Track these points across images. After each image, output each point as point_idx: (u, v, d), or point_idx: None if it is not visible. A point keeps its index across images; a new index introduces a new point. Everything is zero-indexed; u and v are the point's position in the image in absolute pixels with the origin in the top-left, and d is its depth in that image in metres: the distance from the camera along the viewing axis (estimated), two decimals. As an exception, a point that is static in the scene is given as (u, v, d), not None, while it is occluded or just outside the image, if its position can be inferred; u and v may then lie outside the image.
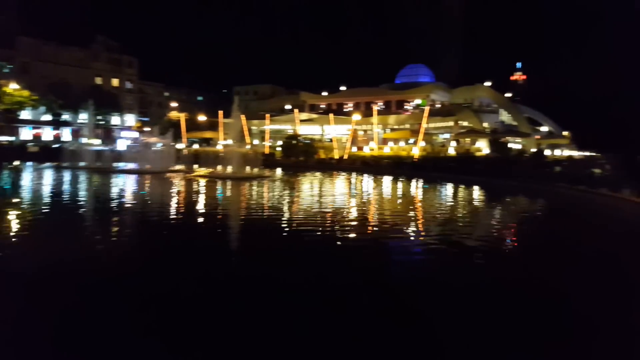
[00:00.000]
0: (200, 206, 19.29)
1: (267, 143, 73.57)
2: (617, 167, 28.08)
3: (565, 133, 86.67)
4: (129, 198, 21.49)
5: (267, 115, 76.61)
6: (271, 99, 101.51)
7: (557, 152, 77.16)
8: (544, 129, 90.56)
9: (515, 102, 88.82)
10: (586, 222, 18.41)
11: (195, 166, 44.95)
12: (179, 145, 71.42)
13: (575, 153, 79.11)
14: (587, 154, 70.57)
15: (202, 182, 30.78)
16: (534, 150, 57.90)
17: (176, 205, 19.30)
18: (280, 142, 70.48)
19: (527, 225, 17.11)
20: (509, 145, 66.44)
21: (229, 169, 37.97)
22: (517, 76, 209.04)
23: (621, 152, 32.38)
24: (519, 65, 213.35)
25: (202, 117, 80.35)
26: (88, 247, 11.19)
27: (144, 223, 15.14)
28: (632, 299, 8.36)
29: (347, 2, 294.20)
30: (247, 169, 38.99)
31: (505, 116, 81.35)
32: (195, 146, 76.88)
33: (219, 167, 39.63)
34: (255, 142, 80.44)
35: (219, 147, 67.70)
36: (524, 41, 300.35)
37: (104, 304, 7.31)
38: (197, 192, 24.74)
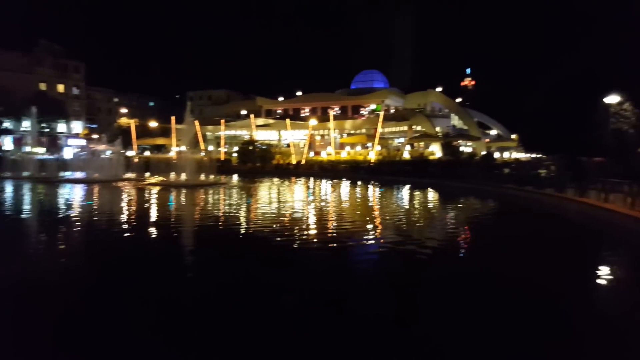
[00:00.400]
0: (150, 217, 18.68)
1: (223, 149, 72.59)
2: (561, 168, 29.32)
3: (513, 136, 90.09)
4: (73, 209, 20.56)
5: (222, 121, 75.61)
6: (226, 104, 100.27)
7: (506, 155, 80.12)
8: (493, 132, 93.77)
9: (466, 107, 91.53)
10: (531, 221, 19.13)
11: (147, 174, 43.74)
12: (129, 153, 69.38)
13: (523, 155, 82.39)
14: (534, 155, 73.58)
15: (154, 190, 29.93)
16: (484, 153, 59.80)
17: (124, 217, 18.62)
18: (236, 148, 69.69)
19: (477, 226, 17.56)
20: (461, 148, 68.34)
21: (183, 176, 37.15)
22: (467, 82, 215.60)
23: (565, 153, 33.85)
24: (468, 71, 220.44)
25: (153, 123, 78.32)
26: (24, 263, 10.59)
27: (87, 236, 14.50)
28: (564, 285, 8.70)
29: (301, 9, 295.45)
30: (202, 176, 38.26)
31: (456, 120, 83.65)
32: (147, 153, 74.88)
33: (172, 175, 38.70)
34: (210, 148, 79.17)
35: (172, 154, 66.22)
36: (473, 47, 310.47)
37: (38, 322, 6.90)
38: (148, 202, 23.98)
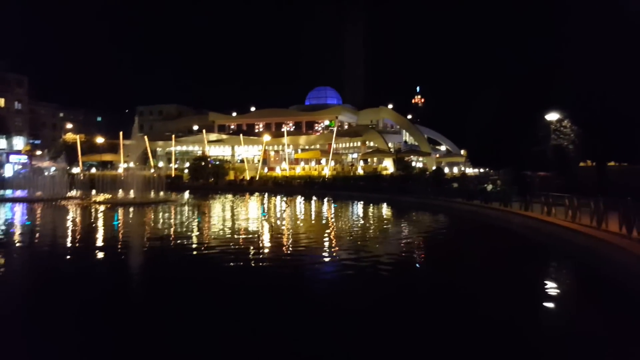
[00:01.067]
0: (92, 238, 17.78)
1: (174, 165, 70.89)
2: (507, 183, 30.34)
3: (462, 152, 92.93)
4: (10, 230, 19.30)
5: (173, 136, 73.99)
6: (178, 119, 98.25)
7: (455, 170, 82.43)
8: (443, 148, 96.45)
9: (416, 124, 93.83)
10: (477, 234, 19.62)
11: (93, 192, 41.99)
12: (75, 170, 66.53)
13: (471, 170, 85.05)
14: (482, 170, 76.10)
15: (100, 209, 28.68)
16: (434, 168, 61.30)
17: (63, 238, 17.65)
18: (187, 164, 68.25)
19: (426, 240, 17.78)
20: (413, 163, 69.78)
21: (131, 194, 35.86)
22: (417, 99, 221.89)
23: (510, 168, 35.11)
24: (418, 89, 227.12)
25: (101, 139, 75.56)
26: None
27: (26, 257, 13.58)
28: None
29: (257, 24, 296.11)
30: (151, 193, 37.07)
31: (408, 137, 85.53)
32: (93, 170, 72.02)
33: (120, 193, 37.30)
34: (161, 164, 77.17)
35: (120, 171, 64.03)
36: (424, 65, 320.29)
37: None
38: (91, 222, 22.86)
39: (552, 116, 27.51)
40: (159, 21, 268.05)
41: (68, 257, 13.88)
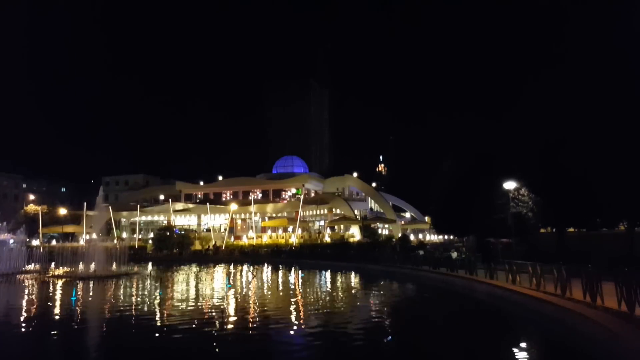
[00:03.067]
0: (47, 315, 16.52)
1: (138, 236, 68.74)
2: (471, 250, 30.53)
3: (426, 218, 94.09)
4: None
5: (138, 206, 72.31)
6: (144, 189, 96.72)
7: (421, 236, 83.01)
8: (408, 215, 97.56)
9: (381, 191, 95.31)
10: (443, 304, 19.38)
11: (52, 265, 39.86)
12: (34, 242, 63.52)
13: (435, 237, 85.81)
14: (447, 237, 76.91)
15: (58, 283, 27.04)
16: (400, 235, 61.54)
17: (15, 314, 16.34)
18: (152, 235, 66.31)
19: (394, 311, 17.34)
20: (379, 230, 69.96)
21: (92, 266, 34.16)
22: (381, 167, 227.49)
23: (474, 235, 35.54)
24: (381, 158, 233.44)
25: (63, 210, 73.04)
26: None
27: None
28: None
29: (224, 96, 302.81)
30: (113, 266, 35.42)
31: (373, 204, 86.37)
32: (54, 242, 68.91)
33: (81, 266, 35.49)
34: (125, 235, 74.71)
35: (82, 242, 61.45)
36: (386, 135, 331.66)
37: None
38: (47, 297, 21.40)
39: (510, 185, 28.33)
40: (130, 93, 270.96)
41: (14, 336, 12.71)
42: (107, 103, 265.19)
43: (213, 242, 61.45)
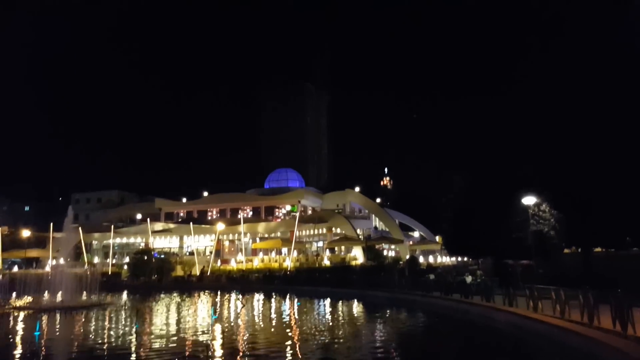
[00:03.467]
0: (7, 353, 16.40)
1: (111, 261, 68.48)
2: (487, 273, 30.54)
3: (437, 238, 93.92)
4: None
5: (112, 227, 72.20)
6: (119, 207, 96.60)
7: (431, 259, 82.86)
8: (416, 234, 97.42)
9: (386, 207, 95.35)
10: (458, 339, 19.29)
11: (13, 295, 39.63)
12: (-7, 268, 63.18)
13: (447, 259, 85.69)
14: (460, 259, 76.75)
15: (20, 316, 26.90)
16: (408, 257, 61.46)
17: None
18: (127, 259, 66.11)
19: (402, 350, 17.29)
20: (384, 252, 69.87)
21: (59, 296, 34.05)
22: (386, 181, 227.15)
23: (490, 257, 35.57)
24: (386, 170, 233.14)
25: (27, 232, 72.85)
26: None
27: None
28: None
29: (212, 101, 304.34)
30: (83, 295, 35.30)
31: (378, 222, 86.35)
32: (16, 269, 68.52)
33: (46, 295, 35.36)
34: (97, 260, 74.42)
35: (47, 269, 61.19)
36: (391, 144, 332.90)
37: None
38: (7, 332, 21.28)
39: (529, 200, 28.43)
40: (103, 98, 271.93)
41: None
42: (76, 110, 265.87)
43: (197, 267, 61.25)
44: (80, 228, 68.96)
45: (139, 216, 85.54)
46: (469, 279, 29.71)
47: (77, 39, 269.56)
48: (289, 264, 59.98)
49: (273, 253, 72.29)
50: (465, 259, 58.75)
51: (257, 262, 66.47)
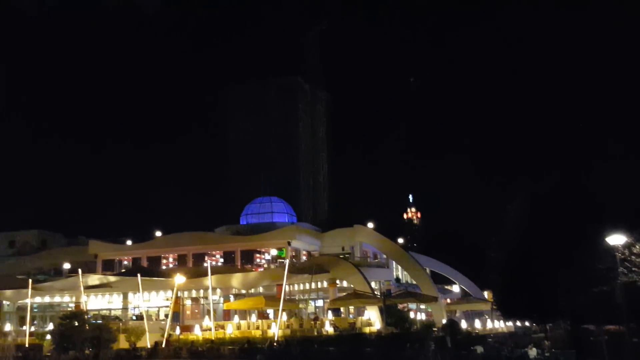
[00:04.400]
0: None
1: (29, 328, 67.73)
2: (559, 344, 30.09)
3: (485, 294, 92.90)
4: None
5: (30, 281, 71.60)
6: (40, 252, 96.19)
7: (478, 323, 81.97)
8: (456, 288, 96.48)
9: (412, 251, 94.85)
10: None
11: None
12: None
13: (502, 324, 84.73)
14: (518, 323, 75.93)
15: None
16: (445, 321, 60.75)
17: None
18: (51, 326, 65.40)
19: None
20: (410, 314, 69.16)
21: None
22: (411, 213, 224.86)
23: (563, 321, 35.08)
24: (411, 198, 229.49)
25: None
26: None
27: None
28: None
29: (157, 110, 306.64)
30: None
31: (400, 271, 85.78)
32: None
33: None
34: (9, 327, 73.71)
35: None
36: (416, 164, 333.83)
37: None
38: None
39: (617, 239, 28.12)
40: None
41: None
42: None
43: (147, 336, 60.57)
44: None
45: (66, 265, 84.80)
46: (532, 352, 29.38)
47: None
48: (275, 331, 59.25)
49: (253, 316, 71.68)
50: (527, 323, 58.06)
51: (231, 329, 65.76)
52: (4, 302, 77.39)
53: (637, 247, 30.71)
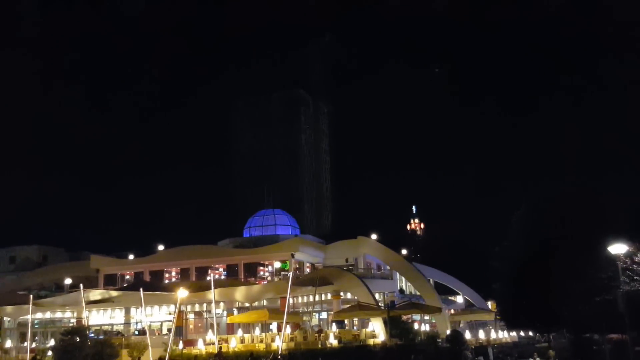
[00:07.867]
0: None
1: (30, 344, 67.89)
2: (563, 354, 30.21)
3: (489, 304, 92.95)
4: None
5: (30, 297, 71.74)
6: (40, 268, 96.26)
7: (482, 334, 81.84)
8: (460, 299, 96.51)
9: (416, 262, 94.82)
10: None
11: None
12: None
13: (506, 334, 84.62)
14: (522, 333, 75.92)
15: None
16: (449, 332, 60.73)
17: None
18: (53, 342, 65.45)
19: None
20: (414, 325, 69.12)
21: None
22: (414, 224, 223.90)
23: (567, 330, 35.14)
24: (414, 209, 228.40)
25: None
26: None
27: None
28: None
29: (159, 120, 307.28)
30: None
31: (404, 283, 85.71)
32: None
33: None
34: (10, 344, 73.79)
35: None
36: (419, 174, 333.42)
37: None
38: None
39: (619, 248, 28.27)
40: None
41: None
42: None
43: (150, 352, 60.70)
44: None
45: (68, 281, 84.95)
46: (537, 362, 29.39)
47: None
48: (279, 344, 59.33)
49: (257, 329, 71.69)
50: (530, 333, 58.03)
51: (234, 343, 65.85)
52: (5, 318, 77.50)
53: (639, 255, 30.86)
